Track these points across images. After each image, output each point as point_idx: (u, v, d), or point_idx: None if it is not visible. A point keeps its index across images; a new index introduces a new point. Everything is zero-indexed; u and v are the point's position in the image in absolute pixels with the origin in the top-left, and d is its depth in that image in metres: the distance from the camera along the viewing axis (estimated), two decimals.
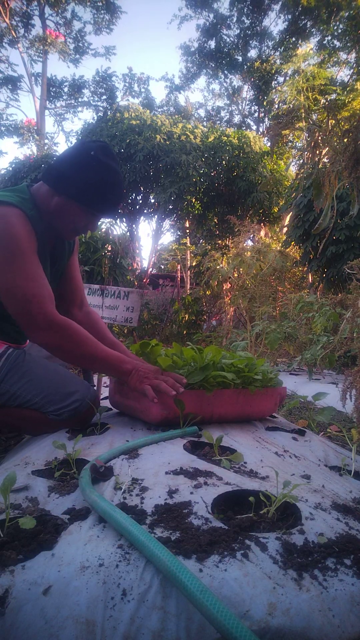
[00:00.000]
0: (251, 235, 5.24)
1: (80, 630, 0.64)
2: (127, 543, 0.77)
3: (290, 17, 15.65)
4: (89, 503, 0.91)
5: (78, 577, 0.70)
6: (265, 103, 15.89)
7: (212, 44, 17.50)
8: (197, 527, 0.84)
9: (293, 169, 12.81)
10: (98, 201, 1.51)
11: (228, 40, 17.37)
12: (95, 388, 1.93)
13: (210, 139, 9.81)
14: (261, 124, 16.84)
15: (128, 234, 10.75)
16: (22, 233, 1.41)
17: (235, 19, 17.00)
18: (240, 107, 18.71)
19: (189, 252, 14.44)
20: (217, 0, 16.97)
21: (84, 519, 0.87)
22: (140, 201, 10.48)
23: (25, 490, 1.03)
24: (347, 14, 14.33)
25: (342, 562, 0.77)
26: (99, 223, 1.75)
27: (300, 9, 14.78)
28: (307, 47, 13.69)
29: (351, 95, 10.56)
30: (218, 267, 4.97)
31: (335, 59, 15.59)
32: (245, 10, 16.48)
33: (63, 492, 1.01)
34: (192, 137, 9.43)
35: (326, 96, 10.48)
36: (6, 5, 14.98)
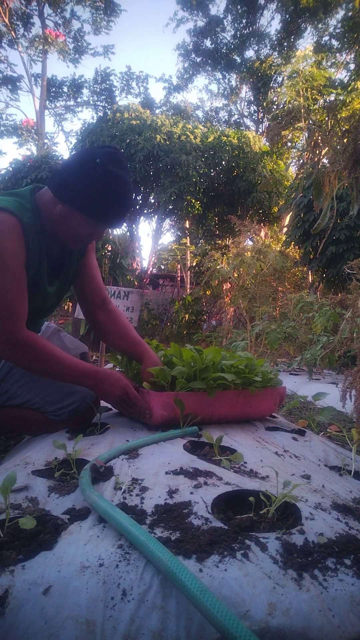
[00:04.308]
0: (250, 236, 5.24)
1: (80, 630, 0.64)
2: (127, 543, 0.77)
3: (287, 17, 15.65)
4: (89, 503, 0.91)
5: (78, 577, 0.70)
6: (265, 104, 15.90)
7: (208, 43, 17.50)
8: (197, 527, 0.84)
9: (293, 169, 12.82)
10: (103, 212, 1.43)
11: (224, 41, 17.37)
12: None
13: (210, 139, 9.82)
14: (261, 125, 16.83)
15: (128, 234, 10.75)
16: (8, 243, 1.35)
17: (229, 21, 17.01)
18: (238, 108, 18.72)
19: (189, 252, 14.45)
20: (212, 1, 16.98)
21: (84, 519, 0.87)
22: (140, 201, 10.48)
23: (25, 490, 1.03)
24: (344, 14, 14.35)
25: (342, 562, 0.77)
26: None
27: (295, 8, 14.76)
28: (307, 48, 13.72)
29: (352, 95, 10.57)
30: (218, 267, 4.97)
31: (333, 60, 15.60)
32: (240, 11, 16.45)
33: (63, 492, 1.01)
34: (192, 137, 9.44)
35: (325, 96, 10.49)
36: (5, 5, 14.96)
